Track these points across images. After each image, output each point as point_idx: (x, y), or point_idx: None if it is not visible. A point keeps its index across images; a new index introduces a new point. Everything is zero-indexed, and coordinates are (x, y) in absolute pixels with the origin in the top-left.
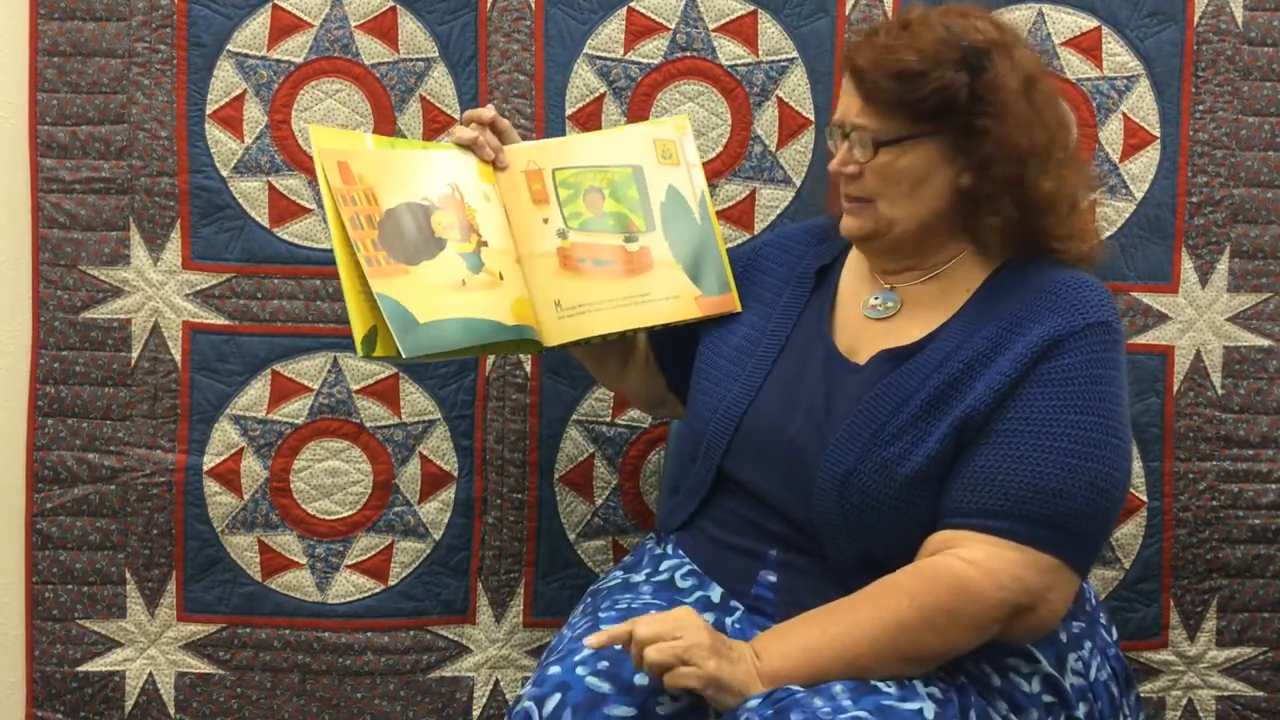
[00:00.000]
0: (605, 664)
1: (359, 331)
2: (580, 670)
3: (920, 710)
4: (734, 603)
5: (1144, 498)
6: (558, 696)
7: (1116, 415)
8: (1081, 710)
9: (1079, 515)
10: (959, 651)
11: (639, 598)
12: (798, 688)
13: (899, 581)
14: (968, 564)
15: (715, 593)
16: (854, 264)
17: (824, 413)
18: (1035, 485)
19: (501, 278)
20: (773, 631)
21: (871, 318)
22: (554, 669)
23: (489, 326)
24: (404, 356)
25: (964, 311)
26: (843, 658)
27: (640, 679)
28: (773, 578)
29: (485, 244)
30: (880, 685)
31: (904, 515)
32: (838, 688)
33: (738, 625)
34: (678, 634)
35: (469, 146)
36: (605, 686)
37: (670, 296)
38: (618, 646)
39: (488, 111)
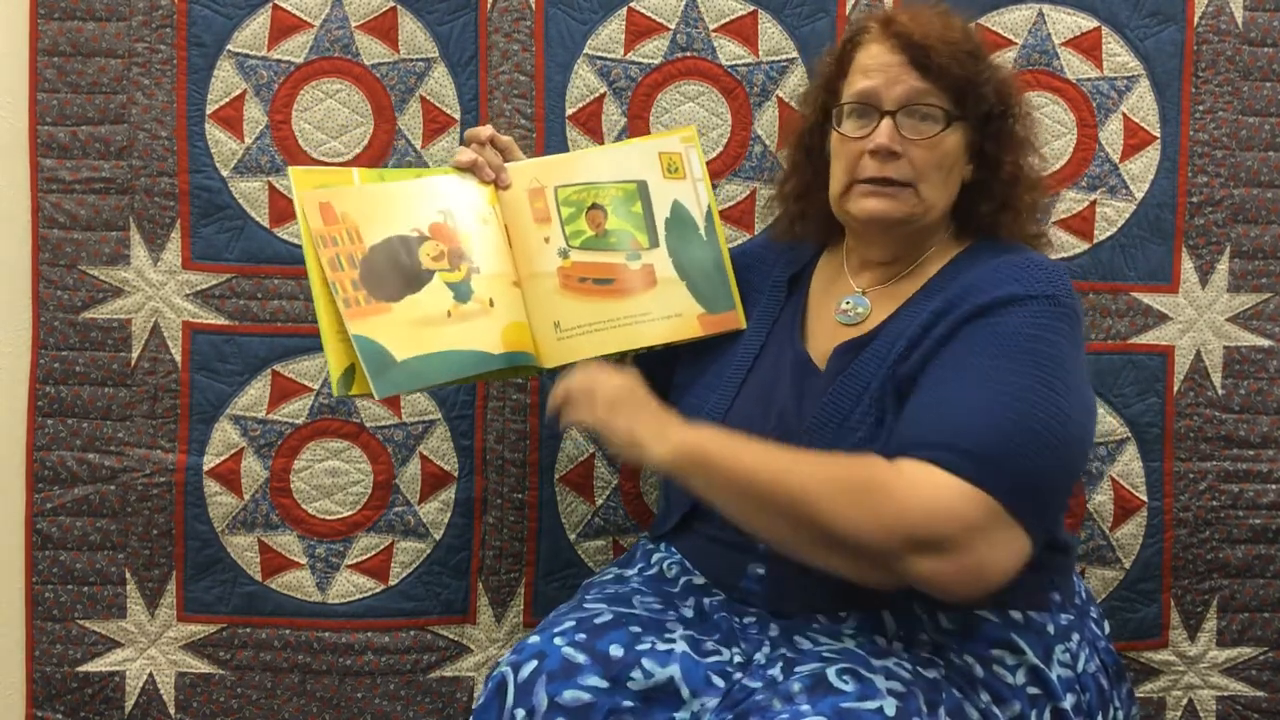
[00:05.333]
0: (583, 636)
1: (336, 370)
2: (558, 640)
3: (880, 708)
4: (716, 590)
5: (1144, 498)
6: (533, 664)
7: (1059, 376)
8: (1069, 701)
9: (1009, 455)
10: (849, 540)
11: (626, 585)
12: (755, 688)
13: (833, 456)
14: (895, 469)
15: (701, 580)
16: (824, 269)
17: (795, 415)
18: (959, 419)
19: (492, 304)
20: (716, 429)
21: (844, 323)
22: (533, 639)
23: (473, 358)
24: (377, 398)
25: (916, 296)
26: (746, 469)
27: (615, 650)
28: (761, 570)
29: (477, 270)
30: (839, 685)
31: None
32: (795, 687)
33: (718, 608)
34: (590, 387)
35: (469, 169)
36: (580, 657)
37: (672, 315)
38: (597, 621)
39: (485, 130)
